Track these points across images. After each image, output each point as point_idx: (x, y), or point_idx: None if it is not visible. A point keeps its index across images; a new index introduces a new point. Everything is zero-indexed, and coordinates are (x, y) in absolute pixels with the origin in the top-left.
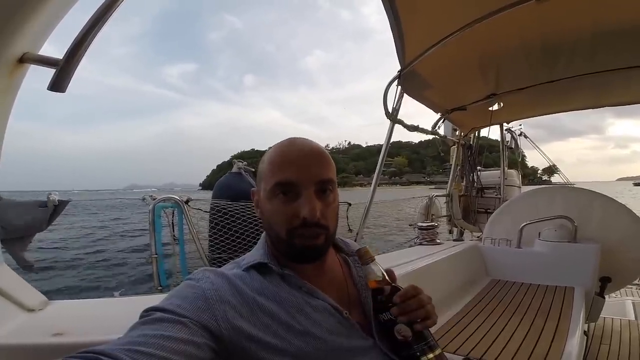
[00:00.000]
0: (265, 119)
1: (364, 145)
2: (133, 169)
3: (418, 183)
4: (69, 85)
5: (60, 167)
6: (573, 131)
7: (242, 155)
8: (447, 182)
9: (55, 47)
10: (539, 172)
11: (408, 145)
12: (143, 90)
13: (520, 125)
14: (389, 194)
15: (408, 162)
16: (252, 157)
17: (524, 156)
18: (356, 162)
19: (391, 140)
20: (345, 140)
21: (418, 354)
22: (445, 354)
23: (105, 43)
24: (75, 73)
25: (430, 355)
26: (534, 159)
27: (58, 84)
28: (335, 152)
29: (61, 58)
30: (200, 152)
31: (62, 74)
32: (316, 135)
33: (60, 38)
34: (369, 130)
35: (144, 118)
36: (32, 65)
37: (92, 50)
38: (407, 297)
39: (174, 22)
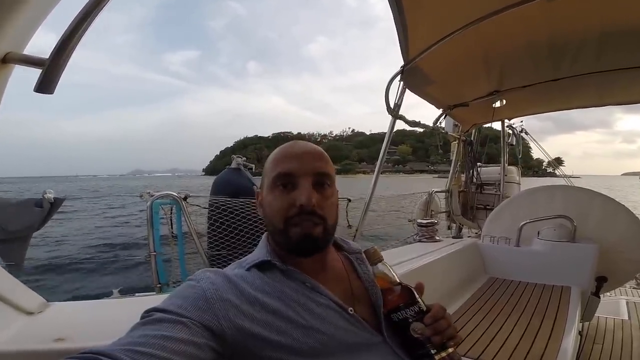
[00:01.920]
0: (268, 106)
1: (367, 133)
2: (136, 155)
3: (422, 172)
4: (74, 81)
5: (66, 154)
6: (580, 124)
7: (245, 142)
8: (461, 174)
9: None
10: (544, 164)
11: (412, 133)
12: (146, 78)
13: (522, 121)
14: (392, 182)
15: (412, 151)
16: (255, 143)
17: (529, 148)
18: (359, 149)
19: (395, 129)
20: (349, 128)
21: (432, 352)
22: None
23: (107, 31)
24: (78, 68)
25: (444, 354)
26: (540, 152)
27: (45, 85)
28: (339, 139)
29: (47, 58)
30: (203, 139)
31: (48, 75)
32: (319, 122)
33: (50, 36)
34: (373, 118)
35: (147, 105)
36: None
37: (94, 39)
38: (437, 318)
39: (175, 9)
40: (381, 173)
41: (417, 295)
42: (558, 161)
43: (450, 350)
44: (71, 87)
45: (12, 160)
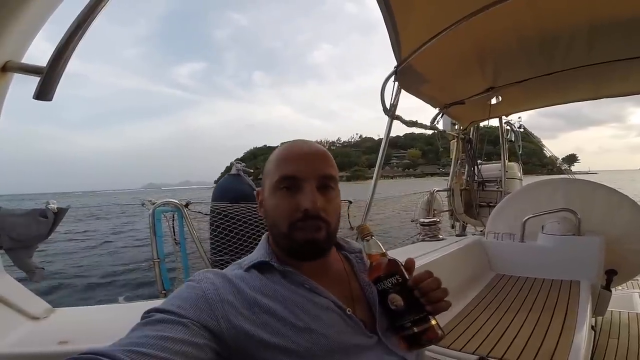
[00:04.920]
0: (276, 115)
1: (375, 138)
2: (149, 168)
3: (433, 174)
4: (84, 95)
5: (80, 169)
6: (593, 120)
7: (254, 152)
8: (464, 172)
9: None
10: (558, 161)
11: (421, 136)
12: (155, 91)
13: (520, 117)
14: (397, 186)
15: (422, 154)
16: (264, 153)
17: (542, 146)
18: (368, 155)
19: (404, 133)
20: (357, 134)
21: (407, 325)
22: (453, 351)
23: (116, 45)
24: (88, 82)
25: (416, 329)
26: (553, 149)
27: (43, 92)
28: (347, 145)
29: (45, 65)
30: (213, 150)
31: (46, 82)
32: (327, 129)
33: (47, 44)
34: (380, 123)
35: (158, 118)
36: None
37: (104, 53)
38: (424, 278)
39: (179, 22)
40: (391, 178)
41: (401, 269)
42: (572, 158)
43: (426, 325)
44: (81, 102)
45: (23, 175)
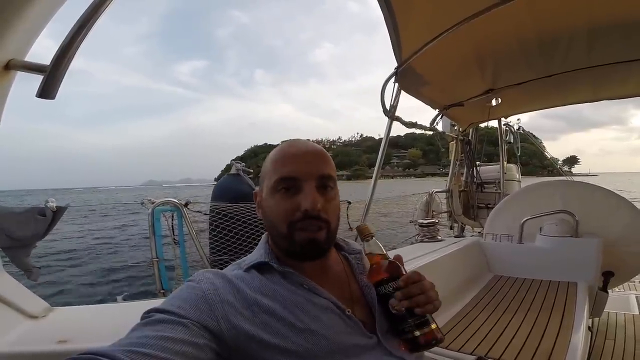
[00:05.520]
0: (277, 113)
1: (376, 138)
2: (150, 166)
3: (433, 175)
4: (86, 93)
5: (82, 165)
6: (594, 122)
7: (255, 150)
8: (463, 173)
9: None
10: (559, 163)
11: (422, 136)
12: (156, 88)
13: (519, 119)
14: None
15: (422, 154)
16: (265, 151)
17: (543, 147)
18: (369, 154)
19: (405, 133)
20: (358, 133)
21: (408, 329)
22: (452, 352)
23: (118, 43)
24: (91, 80)
25: (417, 333)
26: (554, 150)
27: (47, 91)
28: (348, 144)
29: (48, 64)
30: (214, 148)
31: (50, 81)
32: (328, 128)
33: (51, 43)
34: (381, 122)
35: (159, 115)
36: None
37: (106, 50)
38: (409, 281)
39: (181, 20)
40: (391, 177)
41: (402, 272)
42: (573, 159)
43: (426, 329)
44: (84, 99)
45: (26, 171)
